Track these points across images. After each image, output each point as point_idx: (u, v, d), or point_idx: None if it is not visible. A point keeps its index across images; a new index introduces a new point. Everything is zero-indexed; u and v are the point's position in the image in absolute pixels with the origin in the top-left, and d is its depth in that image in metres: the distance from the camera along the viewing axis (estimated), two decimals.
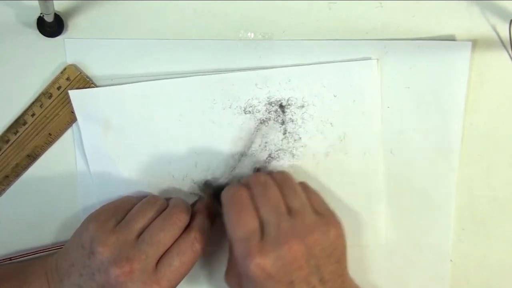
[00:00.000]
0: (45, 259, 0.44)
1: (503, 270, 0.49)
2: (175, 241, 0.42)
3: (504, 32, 0.47)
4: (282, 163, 0.47)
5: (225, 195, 0.42)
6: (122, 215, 0.43)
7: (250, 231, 0.39)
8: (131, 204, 0.44)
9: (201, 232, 0.43)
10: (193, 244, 0.42)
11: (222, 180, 0.47)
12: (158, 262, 0.41)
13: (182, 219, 0.42)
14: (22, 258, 0.47)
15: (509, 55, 0.47)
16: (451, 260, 0.49)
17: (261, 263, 0.38)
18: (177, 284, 0.42)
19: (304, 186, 0.44)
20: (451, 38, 0.47)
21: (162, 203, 0.44)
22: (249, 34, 0.46)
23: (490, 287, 0.50)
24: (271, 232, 0.39)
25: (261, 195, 0.41)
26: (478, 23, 0.47)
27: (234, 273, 0.42)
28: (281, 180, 0.43)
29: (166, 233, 0.41)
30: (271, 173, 0.44)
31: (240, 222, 0.40)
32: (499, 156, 0.48)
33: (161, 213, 0.43)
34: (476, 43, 0.47)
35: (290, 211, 0.41)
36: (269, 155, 0.47)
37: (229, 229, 0.40)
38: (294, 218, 0.40)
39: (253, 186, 0.42)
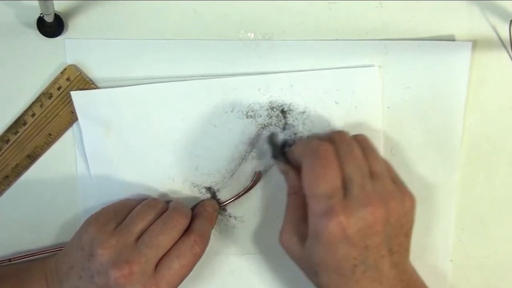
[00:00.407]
0: (45, 261, 0.44)
1: (503, 270, 0.49)
2: (175, 244, 0.41)
3: (504, 32, 0.47)
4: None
5: (307, 147, 0.41)
6: (122, 217, 0.42)
7: (334, 187, 0.39)
8: (131, 207, 0.43)
9: (201, 235, 0.42)
10: (193, 247, 0.42)
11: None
12: (157, 264, 0.41)
13: (182, 222, 0.42)
14: (21, 260, 0.47)
15: (509, 55, 0.47)
16: (451, 260, 0.49)
17: (343, 222, 0.37)
18: (176, 286, 0.41)
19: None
20: (451, 38, 0.47)
21: (162, 206, 0.43)
22: (249, 34, 0.46)
23: (490, 287, 0.50)
24: (355, 191, 0.38)
25: (347, 153, 0.40)
26: (478, 23, 0.47)
27: (296, 231, 0.41)
28: (364, 142, 0.42)
29: (165, 236, 0.41)
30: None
31: (325, 177, 0.39)
32: (499, 156, 0.48)
33: (161, 215, 0.43)
34: (476, 43, 0.47)
35: (371, 174, 0.40)
36: (270, 160, 0.47)
37: (310, 183, 0.39)
38: (376, 182, 0.40)
39: (339, 143, 0.41)
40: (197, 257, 0.42)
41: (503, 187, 0.49)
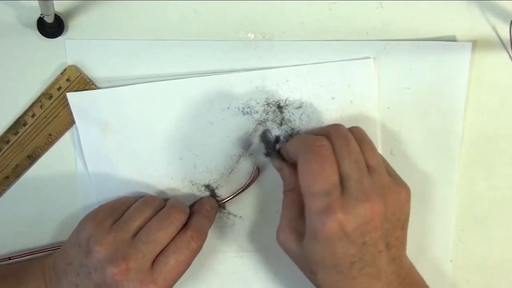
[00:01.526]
0: (44, 259, 0.44)
1: (503, 270, 0.49)
2: (172, 240, 0.41)
3: (504, 32, 0.47)
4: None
5: (303, 144, 0.41)
6: (120, 214, 0.42)
7: (332, 184, 0.38)
8: (128, 204, 0.44)
9: (197, 231, 0.42)
10: (189, 242, 0.42)
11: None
12: (154, 261, 0.41)
13: (179, 218, 0.42)
14: (21, 258, 0.47)
15: (509, 55, 0.47)
16: (451, 261, 0.49)
17: (342, 219, 0.37)
18: (174, 282, 0.41)
19: None
20: (451, 39, 0.47)
21: (159, 203, 0.44)
22: (249, 34, 0.46)
23: (490, 287, 0.50)
24: (353, 187, 0.38)
25: (344, 147, 0.40)
26: (478, 24, 0.47)
27: (293, 229, 0.41)
28: (360, 135, 0.42)
29: (162, 232, 0.41)
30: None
31: (322, 174, 0.38)
32: (499, 156, 0.48)
33: (158, 212, 0.43)
34: (476, 44, 0.47)
35: (368, 168, 0.39)
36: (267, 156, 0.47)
37: (307, 181, 0.39)
38: (373, 175, 0.39)
39: (335, 137, 0.40)
40: (194, 253, 0.42)
41: (503, 187, 0.49)
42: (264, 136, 0.47)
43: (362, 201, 0.37)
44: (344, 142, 0.40)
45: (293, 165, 0.43)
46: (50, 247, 0.47)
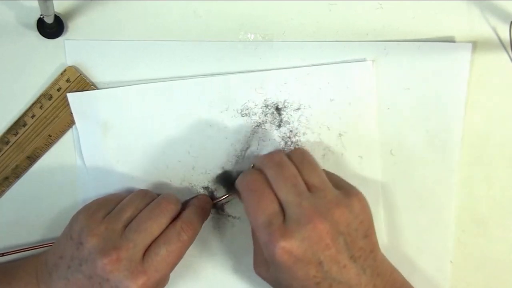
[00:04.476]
0: (37, 256, 0.44)
1: (503, 271, 0.49)
2: (162, 232, 0.41)
3: (504, 33, 0.47)
4: None
5: (240, 184, 0.42)
6: (112, 207, 0.43)
7: (271, 214, 0.39)
8: (121, 198, 0.44)
9: (188, 222, 0.42)
10: (179, 233, 0.41)
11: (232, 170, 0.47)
12: (145, 252, 0.41)
13: (169, 209, 0.42)
14: (13, 254, 0.46)
15: (509, 56, 0.47)
16: (451, 261, 0.49)
17: (286, 246, 0.37)
18: (165, 273, 0.41)
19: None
20: (451, 40, 0.47)
21: (151, 195, 0.44)
22: (249, 35, 0.46)
23: None
24: (293, 212, 0.38)
25: (277, 175, 0.40)
26: (478, 25, 0.47)
27: (262, 261, 0.42)
28: (298, 156, 0.42)
29: (153, 222, 0.41)
30: (287, 151, 0.44)
31: (260, 207, 0.39)
32: (499, 156, 0.48)
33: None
34: (476, 45, 0.47)
35: (310, 188, 0.40)
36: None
37: (250, 217, 0.40)
38: (315, 195, 0.39)
39: (267, 168, 0.41)
40: (185, 244, 0.42)
41: (503, 188, 0.49)
42: (223, 178, 0.47)
43: (304, 223, 0.38)
44: (277, 170, 0.41)
45: None
46: (42, 244, 0.46)
